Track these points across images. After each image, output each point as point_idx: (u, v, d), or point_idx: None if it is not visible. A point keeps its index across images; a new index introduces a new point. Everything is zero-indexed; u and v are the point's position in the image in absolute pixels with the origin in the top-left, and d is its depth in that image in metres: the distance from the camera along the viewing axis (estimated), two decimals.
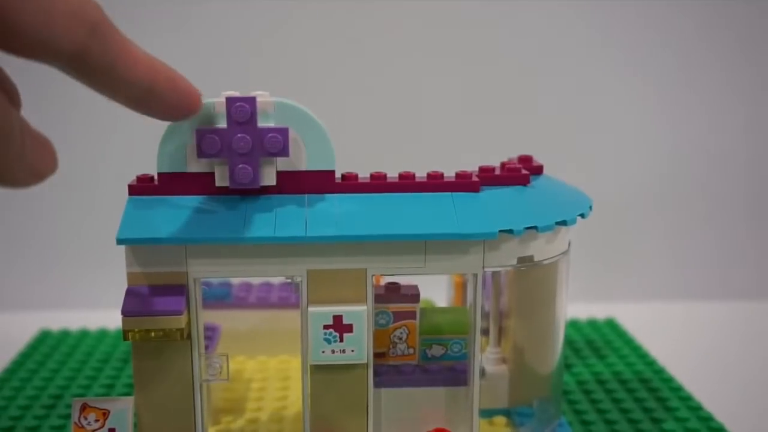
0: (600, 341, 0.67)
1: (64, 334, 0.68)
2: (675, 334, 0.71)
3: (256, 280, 0.65)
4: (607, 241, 0.78)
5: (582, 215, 0.45)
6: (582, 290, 0.68)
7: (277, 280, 0.64)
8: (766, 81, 0.76)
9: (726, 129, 0.77)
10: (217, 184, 0.41)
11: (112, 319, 0.55)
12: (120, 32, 0.32)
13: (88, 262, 0.75)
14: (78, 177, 0.73)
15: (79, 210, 0.75)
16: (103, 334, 0.69)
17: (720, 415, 0.54)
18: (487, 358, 0.52)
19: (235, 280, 0.63)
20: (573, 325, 0.71)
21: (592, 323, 0.72)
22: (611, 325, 0.71)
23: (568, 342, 0.67)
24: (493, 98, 0.75)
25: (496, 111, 0.75)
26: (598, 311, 0.74)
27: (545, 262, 0.45)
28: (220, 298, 0.61)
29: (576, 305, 0.68)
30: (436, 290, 0.59)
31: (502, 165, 0.47)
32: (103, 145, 0.73)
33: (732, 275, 0.80)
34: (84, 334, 0.69)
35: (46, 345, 0.66)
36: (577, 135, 0.76)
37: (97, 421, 0.42)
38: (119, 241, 0.40)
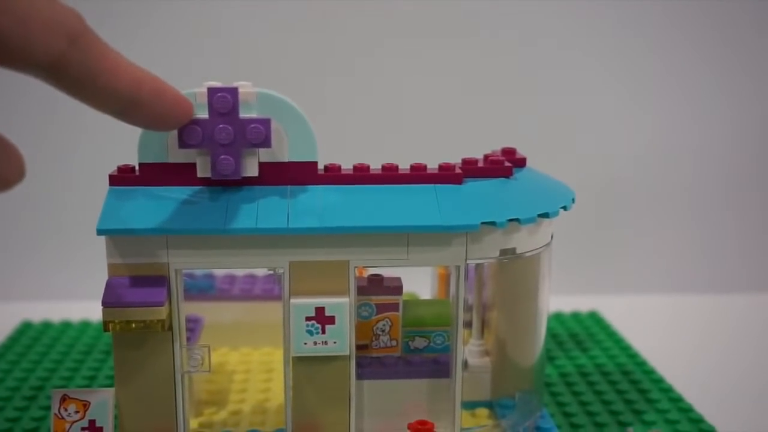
0: (583, 334, 0.68)
1: (46, 326, 0.68)
2: (657, 327, 0.72)
3: (240, 272, 0.65)
4: (590, 233, 0.78)
5: (564, 208, 0.45)
6: (565, 283, 0.68)
7: (261, 271, 0.64)
8: (749, 75, 0.77)
9: (710, 123, 0.78)
10: (199, 174, 0.41)
11: (94, 311, 0.55)
12: (103, 42, 0.31)
13: (70, 252, 0.75)
14: (59, 167, 0.72)
15: (60, 200, 0.74)
16: (85, 325, 0.68)
17: (699, 407, 0.55)
18: (469, 350, 0.52)
19: (219, 272, 0.63)
20: (556, 317, 0.71)
21: (576, 316, 0.72)
22: (594, 317, 0.72)
23: (552, 334, 0.67)
24: (477, 91, 0.75)
25: (479, 103, 0.75)
26: (582, 304, 0.74)
27: (528, 254, 0.45)
28: (204, 290, 0.61)
29: (559, 298, 0.69)
30: (419, 282, 0.59)
31: (485, 157, 0.47)
32: (84, 135, 0.73)
33: (714, 269, 0.81)
34: (66, 325, 0.68)
35: (27, 336, 0.66)
36: (561, 128, 0.76)
37: (77, 412, 0.41)
38: (99, 232, 0.40)
